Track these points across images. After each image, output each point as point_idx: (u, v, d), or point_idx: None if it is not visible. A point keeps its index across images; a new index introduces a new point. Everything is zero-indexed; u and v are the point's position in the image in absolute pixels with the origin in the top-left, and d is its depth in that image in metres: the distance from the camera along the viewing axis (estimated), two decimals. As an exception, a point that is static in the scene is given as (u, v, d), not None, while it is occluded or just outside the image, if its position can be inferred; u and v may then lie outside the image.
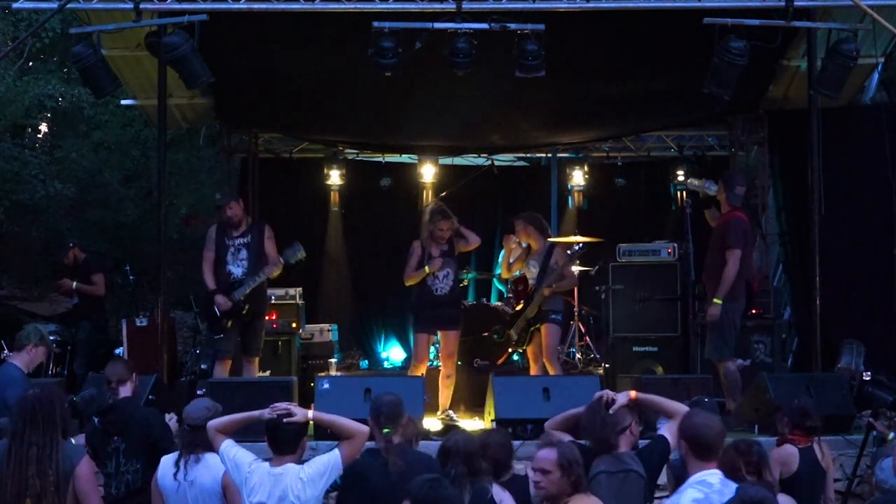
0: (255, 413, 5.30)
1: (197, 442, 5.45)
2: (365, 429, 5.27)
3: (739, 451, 5.00)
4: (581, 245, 9.77)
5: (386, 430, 5.34)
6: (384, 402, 5.49)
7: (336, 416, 5.36)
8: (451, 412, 9.22)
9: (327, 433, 6.11)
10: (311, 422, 5.31)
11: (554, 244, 9.89)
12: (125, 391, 6.25)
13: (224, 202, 9.09)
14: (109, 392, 6.27)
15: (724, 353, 8.69)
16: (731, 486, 4.67)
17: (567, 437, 5.27)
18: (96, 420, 6.13)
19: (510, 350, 10.30)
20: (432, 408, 9.19)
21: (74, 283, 11.38)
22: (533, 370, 9.80)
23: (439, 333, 9.43)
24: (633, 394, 5.41)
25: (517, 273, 10.43)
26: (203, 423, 5.43)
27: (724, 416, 7.57)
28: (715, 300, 8.60)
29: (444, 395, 9.32)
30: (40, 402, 4.88)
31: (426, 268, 9.23)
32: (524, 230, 9.75)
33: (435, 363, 11.39)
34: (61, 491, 4.80)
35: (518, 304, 10.16)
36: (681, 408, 5.32)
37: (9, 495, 4.75)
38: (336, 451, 5.19)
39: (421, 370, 9.32)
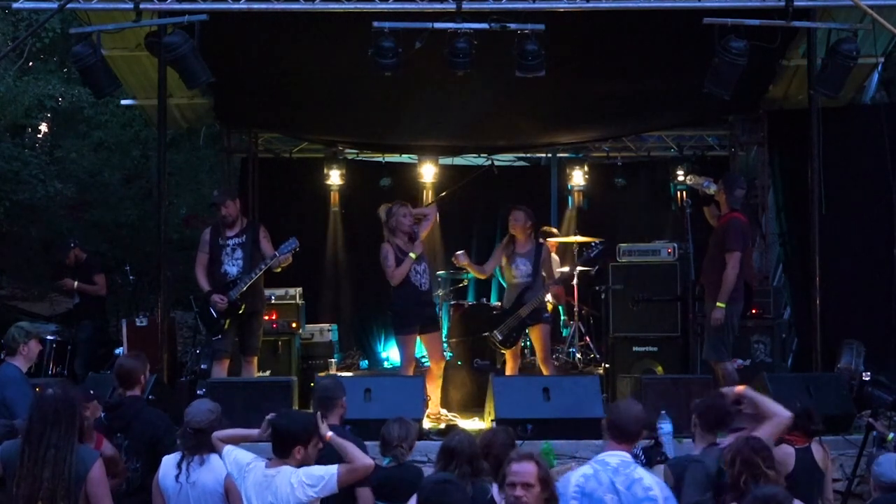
0: (254, 431, 5.47)
1: (201, 444, 5.45)
2: (369, 463, 5.30)
3: (754, 448, 5.00)
4: (598, 244, 9.83)
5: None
6: (318, 386, 5.93)
7: (350, 444, 5.38)
8: (443, 410, 9.17)
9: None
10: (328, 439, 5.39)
11: (542, 244, 9.86)
12: (134, 390, 6.29)
13: (220, 200, 9.10)
14: (118, 389, 6.31)
15: (722, 355, 8.69)
16: (632, 469, 4.87)
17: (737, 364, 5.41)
18: (102, 415, 6.16)
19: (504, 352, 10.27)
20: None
21: (76, 283, 11.39)
22: (511, 369, 9.76)
23: (423, 336, 9.33)
24: (739, 388, 5.60)
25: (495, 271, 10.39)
26: (207, 425, 5.44)
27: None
28: (718, 304, 8.59)
29: (436, 395, 9.24)
30: (64, 402, 4.82)
31: (411, 254, 9.15)
32: (524, 224, 9.65)
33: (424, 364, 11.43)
34: (72, 494, 4.78)
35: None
36: (781, 411, 5.36)
37: (21, 497, 4.72)
38: (334, 469, 5.20)
39: (412, 372, 9.29)
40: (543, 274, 9.67)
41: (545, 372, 9.52)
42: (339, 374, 10.98)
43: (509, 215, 9.76)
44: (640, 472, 4.91)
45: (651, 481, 4.91)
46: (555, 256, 11.08)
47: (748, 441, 5.09)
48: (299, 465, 5.19)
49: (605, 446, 5.06)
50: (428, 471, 5.92)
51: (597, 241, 10.33)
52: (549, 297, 10.56)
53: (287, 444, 5.19)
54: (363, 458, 5.30)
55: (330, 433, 5.39)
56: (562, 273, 10.50)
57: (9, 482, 4.79)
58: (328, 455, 5.37)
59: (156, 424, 6.13)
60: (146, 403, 6.54)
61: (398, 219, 9.27)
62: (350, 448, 5.36)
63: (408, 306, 9.23)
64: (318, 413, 5.57)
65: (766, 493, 4.21)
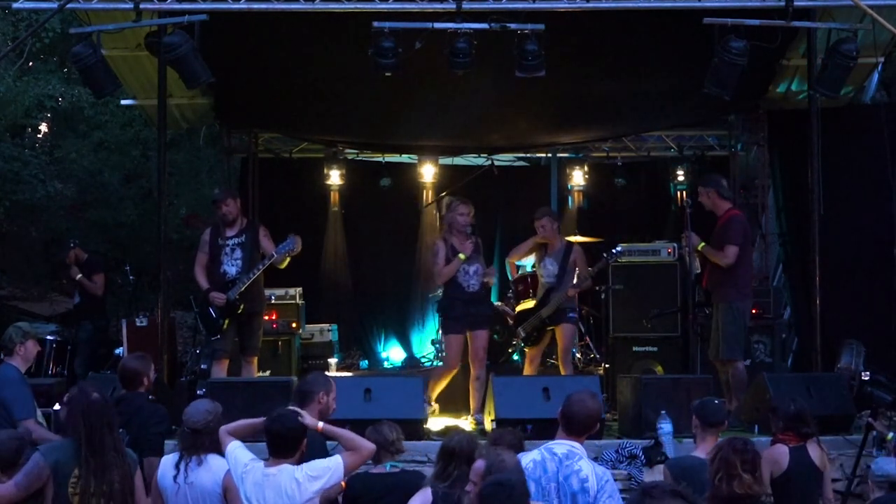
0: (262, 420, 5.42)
1: (199, 444, 5.44)
2: (371, 446, 5.29)
3: (735, 449, 5.01)
4: (618, 250, 9.75)
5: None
6: (301, 381, 5.82)
7: (346, 431, 5.38)
8: (480, 416, 8.84)
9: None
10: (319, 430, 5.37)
11: (571, 244, 9.84)
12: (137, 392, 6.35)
13: (221, 198, 9.13)
14: (121, 391, 6.35)
15: (737, 354, 8.70)
16: (574, 460, 4.88)
17: None
18: None
19: (511, 350, 10.27)
20: (447, 407, 9.24)
21: (79, 275, 11.40)
22: (528, 370, 9.75)
23: (468, 333, 9.17)
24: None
25: (526, 265, 10.29)
26: (203, 426, 5.43)
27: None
28: (698, 248, 8.67)
29: (476, 398, 9.02)
30: (110, 406, 4.92)
31: (460, 255, 9.00)
32: (552, 227, 9.63)
33: (436, 363, 11.40)
34: (133, 491, 4.87)
35: (518, 303, 10.10)
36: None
37: (94, 498, 4.75)
38: (338, 458, 5.19)
39: (452, 374, 9.15)
40: (577, 272, 9.57)
41: (562, 372, 9.50)
42: (339, 374, 11.00)
43: (535, 223, 9.65)
44: (582, 463, 4.93)
45: (589, 472, 4.92)
46: None
47: (732, 441, 5.09)
48: (297, 463, 5.19)
49: (556, 435, 5.11)
50: (427, 471, 5.92)
51: (619, 246, 10.17)
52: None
53: (284, 444, 5.19)
54: (364, 441, 5.30)
55: (321, 424, 5.38)
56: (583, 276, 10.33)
57: (60, 483, 4.85)
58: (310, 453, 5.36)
59: (151, 419, 6.19)
60: (148, 399, 6.56)
61: (454, 216, 9.13)
62: (347, 434, 5.35)
63: (453, 306, 9.16)
64: (298, 407, 5.54)
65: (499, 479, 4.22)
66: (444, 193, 12.79)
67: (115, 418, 4.99)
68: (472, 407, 9.09)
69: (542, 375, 9.57)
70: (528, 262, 10.25)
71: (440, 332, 9.54)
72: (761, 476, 5.09)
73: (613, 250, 9.79)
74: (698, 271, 8.90)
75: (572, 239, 10.52)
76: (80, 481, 4.82)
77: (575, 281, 9.52)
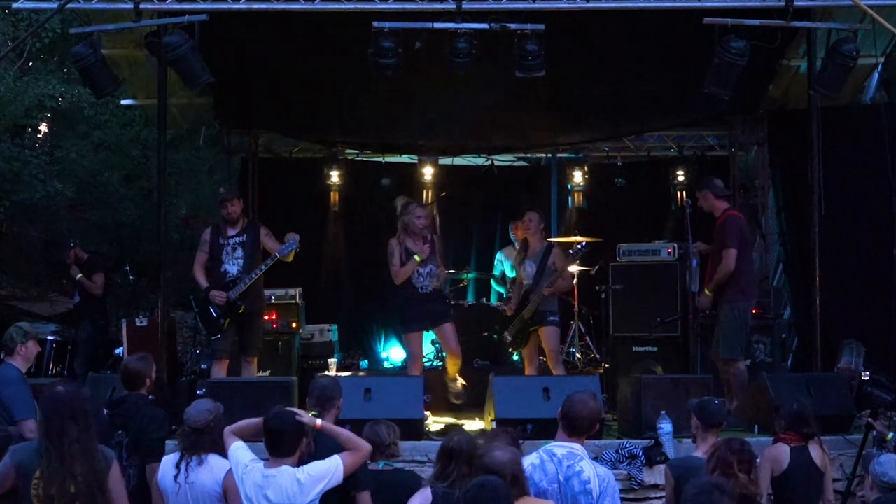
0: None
1: (199, 444, 5.44)
2: (367, 446, 5.30)
3: (732, 449, 5.06)
4: (583, 245, 9.75)
5: (312, 413, 5.44)
6: (317, 385, 5.73)
7: (344, 430, 5.39)
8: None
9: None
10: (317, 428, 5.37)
11: (552, 245, 9.87)
12: (139, 392, 6.35)
13: (228, 197, 9.17)
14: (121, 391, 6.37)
15: (737, 353, 8.71)
16: (575, 461, 4.91)
17: None
18: (105, 412, 6.18)
19: (511, 351, 10.28)
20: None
21: (79, 275, 11.40)
22: (528, 370, 9.79)
23: (433, 331, 9.39)
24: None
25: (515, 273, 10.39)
26: (204, 425, 5.44)
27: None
28: (706, 291, 8.71)
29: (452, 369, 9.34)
30: (77, 398, 4.81)
31: (416, 256, 9.06)
32: (538, 225, 9.69)
33: (435, 363, 11.40)
34: (104, 489, 4.74)
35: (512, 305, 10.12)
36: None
37: (53, 496, 4.65)
38: (338, 459, 5.19)
39: (418, 369, 9.27)
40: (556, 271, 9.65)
41: (554, 374, 9.52)
42: (339, 374, 11.00)
43: (524, 216, 9.76)
44: (583, 464, 4.95)
45: (591, 474, 4.93)
46: None
47: (730, 441, 5.15)
48: (298, 463, 5.18)
49: (556, 436, 5.11)
50: (428, 471, 5.91)
51: (583, 241, 10.22)
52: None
53: (285, 443, 5.18)
54: (361, 441, 5.31)
55: (319, 421, 5.39)
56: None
57: (25, 485, 4.73)
58: (320, 452, 5.36)
59: (152, 422, 6.18)
60: (148, 401, 6.57)
61: (412, 218, 9.17)
62: (345, 433, 5.36)
63: (407, 306, 9.22)
64: (303, 409, 5.55)
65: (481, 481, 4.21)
66: (443, 193, 12.79)
67: (83, 410, 4.73)
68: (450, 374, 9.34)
69: (541, 375, 9.57)
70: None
71: (401, 330, 9.65)
72: (757, 478, 5.13)
73: (578, 245, 9.81)
74: (695, 290, 8.93)
75: (563, 239, 10.55)
76: (41, 481, 4.68)
77: (546, 281, 9.56)
